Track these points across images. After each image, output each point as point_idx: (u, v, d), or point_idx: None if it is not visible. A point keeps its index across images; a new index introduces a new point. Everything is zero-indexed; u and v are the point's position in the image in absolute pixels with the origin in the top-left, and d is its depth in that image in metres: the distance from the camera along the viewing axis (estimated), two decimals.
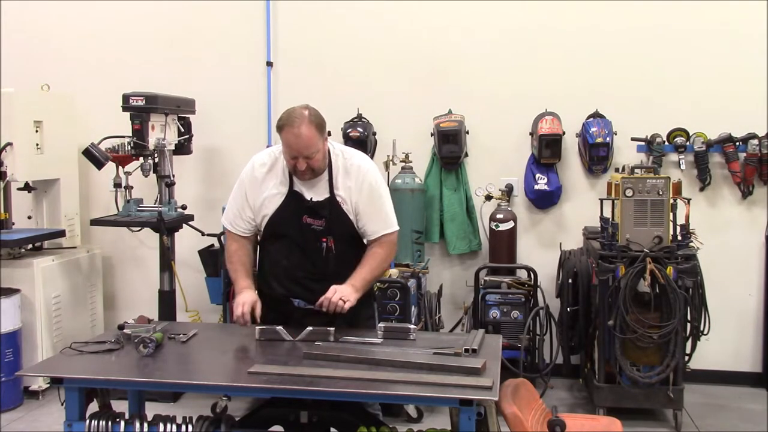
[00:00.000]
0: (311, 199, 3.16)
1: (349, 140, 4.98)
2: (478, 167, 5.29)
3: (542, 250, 5.24)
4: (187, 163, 5.39)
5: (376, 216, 3.22)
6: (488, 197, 5.15)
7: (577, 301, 4.60)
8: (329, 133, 3.27)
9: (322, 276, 3.20)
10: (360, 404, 2.97)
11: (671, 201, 4.25)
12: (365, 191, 3.18)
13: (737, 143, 4.97)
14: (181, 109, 5.06)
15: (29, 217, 5.25)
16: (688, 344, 4.38)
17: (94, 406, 2.87)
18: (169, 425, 2.76)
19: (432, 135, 5.17)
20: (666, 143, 5.03)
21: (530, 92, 5.20)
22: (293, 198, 3.17)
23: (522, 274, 5.00)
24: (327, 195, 3.17)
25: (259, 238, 3.36)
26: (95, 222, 4.92)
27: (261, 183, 3.20)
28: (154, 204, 5.03)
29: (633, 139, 5.04)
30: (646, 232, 4.21)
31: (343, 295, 3.06)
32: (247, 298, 3.16)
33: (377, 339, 3.02)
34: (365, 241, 3.28)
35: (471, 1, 5.23)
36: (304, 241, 3.19)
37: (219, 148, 5.52)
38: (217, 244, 4.91)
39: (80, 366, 2.81)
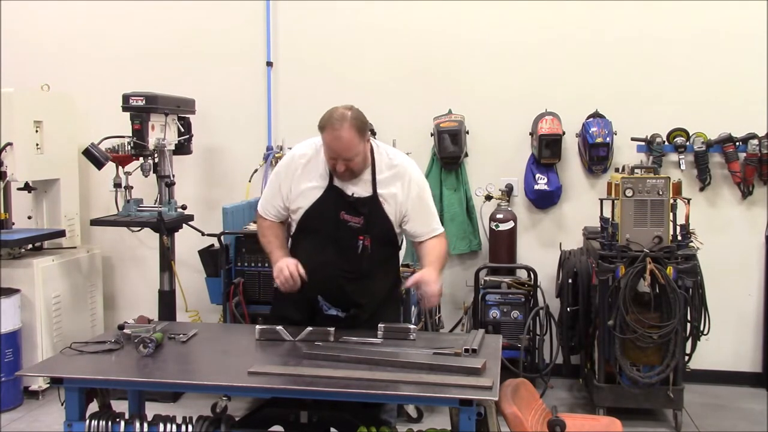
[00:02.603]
0: (353, 194, 3.12)
1: None
2: (478, 167, 5.29)
3: (542, 250, 5.24)
4: (187, 163, 5.39)
5: (425, 218, 3.20)
6: (488, 197, 5.15)
7: (577, 301, 4.60)
8: (372, 133, 3.20)
9: (355, 275, 3.16)
10: (360, 404, 2.97)
11: (671, 201, 4.24)
12: (414, 194, 3.15)
13: (737, 143, 4.97)
14: (181, 109, 5.06)
15: (29, 217, 5.25)
16: (688, 344, 4.38)
17: (94, 406, 2.87)
18: (169, 425, 2.77)
19: (432, 135, 5.17)
20: (666, 143, 5.03)
21: (530, 92, 5.20)
22: (332, 192, 3.13)
23: (522, 274, 5.00)
24: (369, 193, 3.13)
25: (291, 231, 3.33)
26: (95, 222, 4.92)
27: (300, 174, 3.16)
28: (154, 204, 5.02)
29: (633, 139, 5.05)
30: (646, 232, 4.21)
31: (429, 280, 3.05)
32: (287, 261, 3.10)
33: (377, 339, 3.03)
34: (413, 242, 3.28)
35: (471, 2, 5.23)
36: (339, 238, 3.13)
37: (219, 148, 5.52)
38: (217, 244, 4.90)
39: (80, 366, 2.81)
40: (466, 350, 2.87)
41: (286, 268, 3.07)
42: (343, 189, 3.13)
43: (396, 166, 3.16)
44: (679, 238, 4.30)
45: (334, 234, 3.13)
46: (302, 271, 3.08)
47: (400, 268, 4.65)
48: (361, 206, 3.12)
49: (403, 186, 3.14)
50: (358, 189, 3.13)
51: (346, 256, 3.14)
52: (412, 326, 3.14)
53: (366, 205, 3.12)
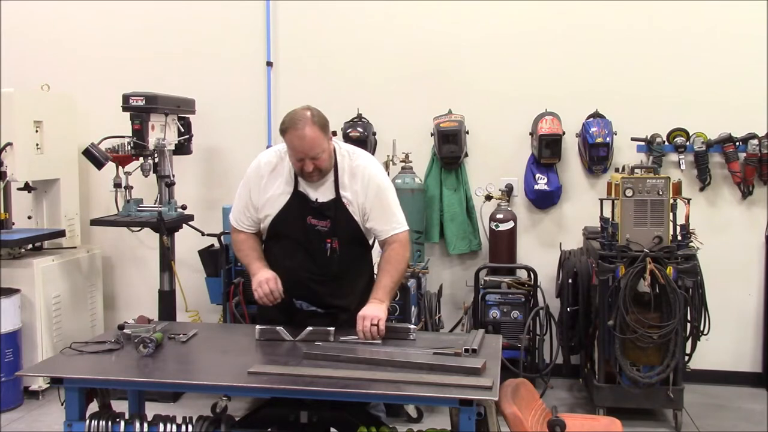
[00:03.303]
0: (316, 199, 3.15)
1: (349, 140, 4.97)
2: (478, 167, 5.29)
3: (542, 250, 5.24)
4: (187, 163, 5.39)
5: (385, 216, 3.20)
6: (488, 197, 5.15)
7: (577, 301, 4.60)
8: (334, 133, 3.22)
9: (326, 277, 3.20)
10: (360, 404, 2.97)
11: (671, 201, 4.24)
12: (372, 192, 3.16)
13: (737, 143, 4.97)
14: (181, 109, 5.06)
15: (29, 217, 5.24)
16: (688, 344, 4.38)
17: (94, 406, 2.87)
18: (169, 425, 2.77)
19: (432, 135, 5.17)
20: (666, 143, 5.03)
21: (530, 92, 5.20)
22: (298, 198, 3.16)
23: (522, 274, 5.00)
24: (332, 196, 3.16)
25: (263, 237, 3.35)
26: (95, 222, 4.92)
27: (266, 182, 3.19)
28: (154, 204, 5.03)
29: (633, 139, 5.04)
30: (646, 232, 4.21)
31: (372, 317, 3.01)
32: (266, 275, 3.14)
33: (377, 339, 3.02)
34: (377, 241, 3.27)
35: (471, 1, 5.23)
36: (308, 242, 3.18)
37: (219, 148, 5.52)
38: (217, 244, 4.90)
39: (80, 366, 2.81)
40: (466, 350, 2.87)
41: (266, 283, 3.12)
42: (307, 194, 3.15)
43: (357, 166, 3.18)
44: (679, 238, 4.30)
45: (302, 239, 3.18)
46: (281, 287, 3.14)
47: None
48: (326, 210, 3.15)
49: (363, 185, 3.16)
50: (322, 193, 3.16)
51: (315, 259, 3.19)
52: (412, 326, 3.15)
53: (330, 208, 3.15)
